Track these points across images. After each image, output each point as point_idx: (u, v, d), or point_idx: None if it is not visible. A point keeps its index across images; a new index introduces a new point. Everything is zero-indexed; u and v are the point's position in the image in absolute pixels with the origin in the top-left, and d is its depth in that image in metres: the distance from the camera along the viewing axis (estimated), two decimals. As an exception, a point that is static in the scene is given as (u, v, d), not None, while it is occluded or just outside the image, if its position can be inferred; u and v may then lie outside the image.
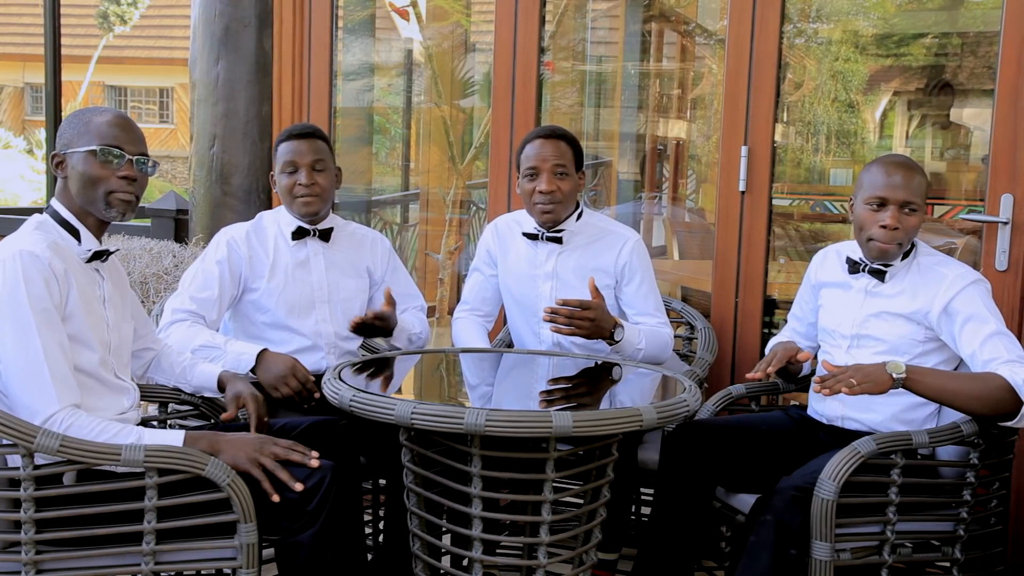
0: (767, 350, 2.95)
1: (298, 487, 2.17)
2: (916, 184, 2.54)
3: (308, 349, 2.97)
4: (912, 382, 2.41)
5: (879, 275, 2.62)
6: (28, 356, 2.10)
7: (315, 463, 2.22)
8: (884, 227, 2.54)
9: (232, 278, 2.93)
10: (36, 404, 2.10)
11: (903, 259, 2.61)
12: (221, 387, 2.59)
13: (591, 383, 2.73)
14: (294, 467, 2.22)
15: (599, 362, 2.82)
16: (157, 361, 2.63)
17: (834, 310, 2.73)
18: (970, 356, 2.48)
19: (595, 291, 2.81)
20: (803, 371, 2.92)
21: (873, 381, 2.38)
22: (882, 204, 2.55)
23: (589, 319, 2.77)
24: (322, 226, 3.03)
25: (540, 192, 2.96)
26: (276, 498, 2.16)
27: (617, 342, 2.86)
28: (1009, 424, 2.42)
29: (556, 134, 3.01)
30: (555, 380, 2.69)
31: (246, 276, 2.95)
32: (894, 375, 2.39)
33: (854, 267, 2.67)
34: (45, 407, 2.10)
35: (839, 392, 2.37)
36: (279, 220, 3.04)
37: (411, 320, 3.11)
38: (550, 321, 2.78)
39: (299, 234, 3.00)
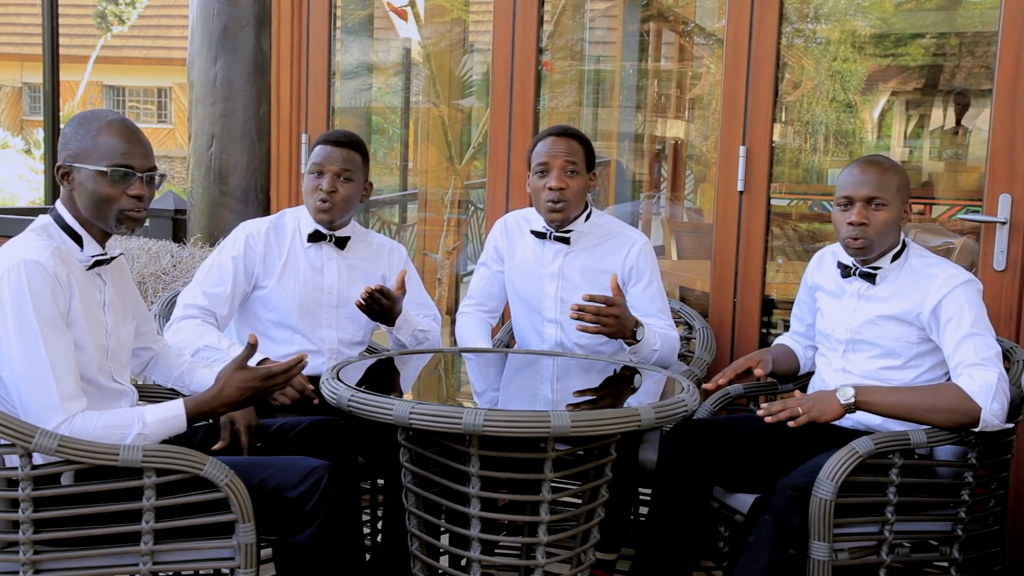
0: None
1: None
2: (885, 180, 2.54)
3: (310, 352, 2.95)
4: (864, 404, 2.43)
5: (870, 278, 2.62)
6: (34, 366, 2.09)
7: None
8: (851, 224, 2.55)
9: (246, 275, 2.93)
10: (42, 415, 2.10)
11: (893, 260, 2.61)
12: None
13: (614, 392, 2.69)
14: (291, 473, 2.23)
15: (617, 370, 2.77)
16: (155, 361, 2.62)
17: (829, 314, 2.73)
18: (948, 359, 2.49)
19: (617, 289, 2.78)
20: (802, 370, 2.92)
21: (820, 410, 2.42)
22: (849, 202, 2.57)
23: (615, 316, 2.75)
24: (339, 234, 3.01)
25: (550, 189, 2.95)
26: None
27: (638, 341, 2.84)
28: (976, 430, 2.42)
29: (568, 132, 3.01)
30: (580, 392, 2.64)
31: (258, 273, 2.94)
32: (842, 400, 2.42)
33: (845, 271, 2.67)
34: (51, 416, 2.10)
35: (782, 420, 2.41)
36: (299, 220, 3.02)
37: (419, 319, 3.10)
38: (577, 319, 2.73)
39: (315, 237, 2.99)
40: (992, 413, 2.37)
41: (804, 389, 2.89)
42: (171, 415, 2.22)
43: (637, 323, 2.82)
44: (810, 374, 2.88)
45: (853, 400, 2.42)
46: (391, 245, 3.17)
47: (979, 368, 2.40)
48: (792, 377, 2.93)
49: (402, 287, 2.91)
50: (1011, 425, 2.46)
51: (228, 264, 2.92)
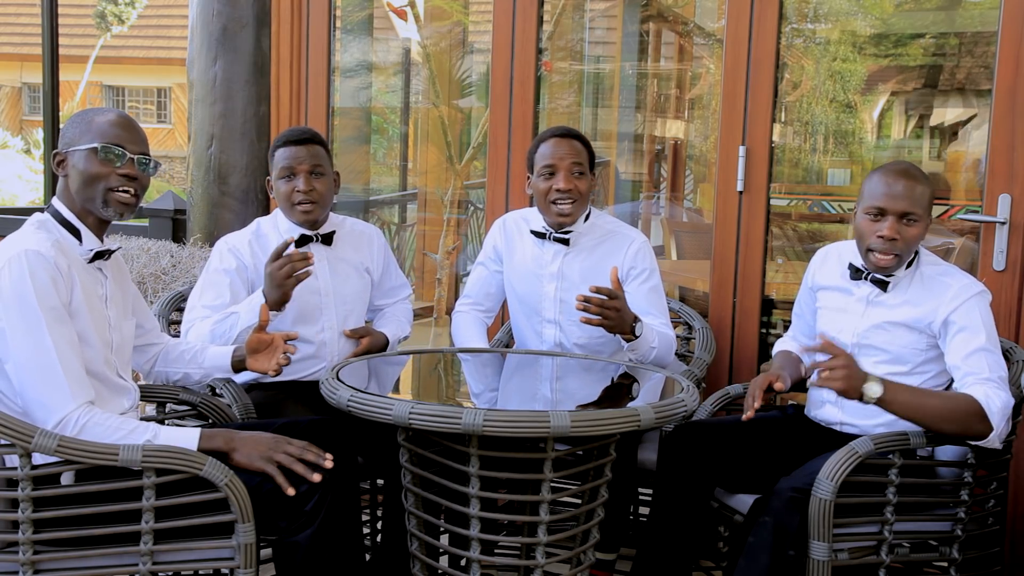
0: (773, 353, 2.95)
1: (316, 477, 2.17)
2: (917, 194, 2.50)
3: (311, 358, 2.95)
4: (887, 403, 2.36)
5: (881, 284, 2.60)
6: (40, 355, 2.09)
7: (328, 464, 2.20)
8: (882, 237, 2.50)
9: (243, 283, 2.91)
10: (51, 403, 2.10)
11: (907, 268, 2.59)
12: (237, 367, 2.59)
13: (613, 402, 2.66)
14: (291, 473, 2.23)
15: (615, 379, 2.76)
16: (165, 353, 2.62)
17: (834, 316, 2.71)
18: (953, 367, 2.47)
19: (617, 283, 2.76)
20: (804, 372, 2.91)
21: (847, 384, 2.33)
22: (881, 214, 2.51)
23: (616, 308, 2.73)
24: (324, 230, 3.00)
25: (558, 190, 2.94)
26: (292, 491, 2.16)
27: (637, 337, 2.83)
28: (978, 444, 2.42)
29: (571, 134, 3.01)
30: (583, 406, 2.60)
31: (252, 279, 2.92)
32: (868, 394, 2.33)
33: (856, 274, 2.65)
34: (61, 406, 2.10)
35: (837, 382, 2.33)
36: (279, 227, 3.00)
37: (398, 325, 3.12)
38: (583, 310, 2.70)
39: (301, 242, 2.97)
40: (999, 435, 2.38)
41: (804, 390, 2.88)
42: (184, 436, 2.19)
43: (636, 319, 2.81)
44: (808, 378, 2.87)
45: (875, 398, 2.34)
46: (370, 231, 3.18)
47: (996, 387, 2.39)
48: (796, 382, 2.91)
49: (363, 335, 2.98)
50: (999, 446, 2.46)
51: (222, 278, 2.89)
